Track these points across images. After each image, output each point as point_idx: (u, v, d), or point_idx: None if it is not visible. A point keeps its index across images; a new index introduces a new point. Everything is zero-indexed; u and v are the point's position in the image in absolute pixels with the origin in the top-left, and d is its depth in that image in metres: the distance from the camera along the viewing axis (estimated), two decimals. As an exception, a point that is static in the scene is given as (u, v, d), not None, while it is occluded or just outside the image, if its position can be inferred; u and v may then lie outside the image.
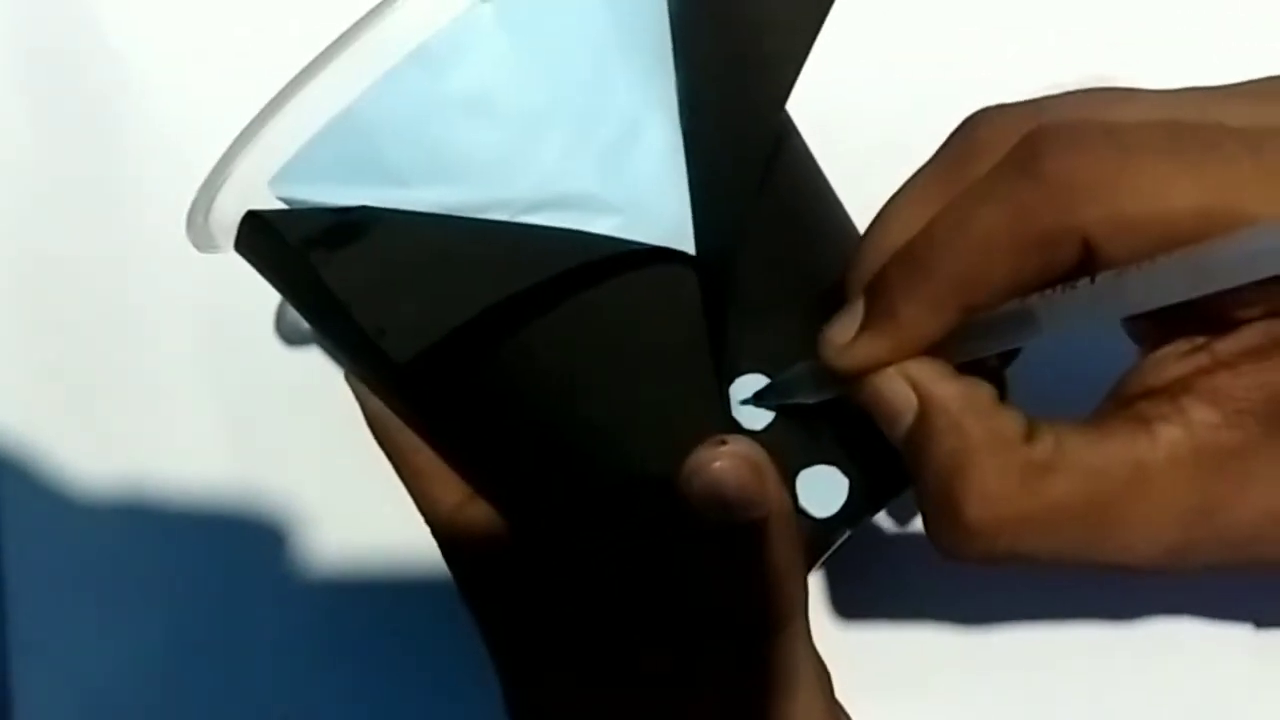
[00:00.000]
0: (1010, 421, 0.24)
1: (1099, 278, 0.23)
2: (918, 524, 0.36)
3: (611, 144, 0.27)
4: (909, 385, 0.25)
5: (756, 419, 0.27)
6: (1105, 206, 0.22)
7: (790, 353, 0.27)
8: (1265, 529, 0.24)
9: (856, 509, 0.28)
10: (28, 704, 0.38)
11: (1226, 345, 0.24)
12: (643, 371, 0.27)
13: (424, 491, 0.30)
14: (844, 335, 0.25)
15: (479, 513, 0.30)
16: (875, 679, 0.34)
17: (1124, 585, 0.35)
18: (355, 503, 0.38)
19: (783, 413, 0.27)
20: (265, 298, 0.38)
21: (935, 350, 0.25)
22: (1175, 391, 0.24)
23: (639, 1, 0.28)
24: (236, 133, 0.27)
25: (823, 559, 0.29)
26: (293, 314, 0.39)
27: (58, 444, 0.39)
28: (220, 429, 0.39)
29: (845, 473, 0.27)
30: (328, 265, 0.25)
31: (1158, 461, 0.23)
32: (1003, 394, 0.26)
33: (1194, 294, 0.22)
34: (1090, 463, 0.23)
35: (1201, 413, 0.23)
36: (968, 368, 0.25)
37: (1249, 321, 0.23)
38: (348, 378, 0.31)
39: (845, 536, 0.28)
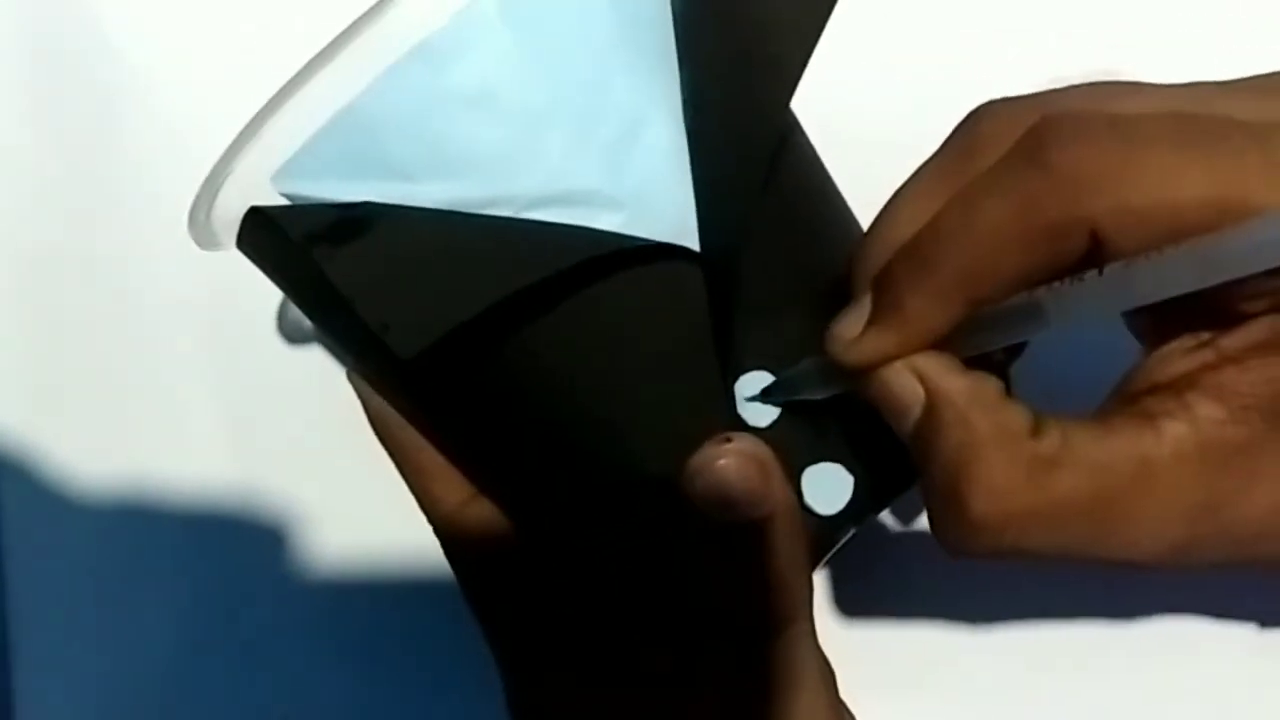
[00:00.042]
0: (1017, 416, 0.24)
1: (1106, 269, 0.23)
2: (922, 522, 0.36)
3: (615, 141, 0.27)
4: (916, 379, 0.25)
5: (761, 416, 0.27)
6: (1112, 198, 0.22)
7: (795, 349, 0.27)
8: (1270, 525, 0.24)
9: (861, 506, 0.28)
10: (28, 704, 0.38)
11: (1232, 341, 0.24)
12: (647, 368, 0.27)
13: (426, 490, 0.30)
14: (851, 330, 0.25)
15: (482, 511, 0.30)
16: (879, 677, 0.34)
17: (1127, 584, 0.35)
18: (356, 503, 0.38)
19: (788, 409, 0.27)
20: (267, 297, 0.38)
21: (942, 344, 0.25)
22: (1181, 387, 0.24)
23: (642, -1, 0.28)
24: (239, 130, 0.27)
25: (827, 557, 0.29)
26: (295, 313, 0.39)
27: (58, 444, 0.39)
28: (221, 428, 0.39)
29: (850, 470, 0.27)
30: (331, 261, 0.25)
31: (1163, 457, 0.23)
32: (1008, 389, 0.26)
33: (1202, 285, 0.22)
34: (1096, 458, 0.23)
35: (1207, 408, 0.23)
36: (974, 362, 0.25)
37: (1254, 316, 0.23)
38: (350, 376, 0.31)
39: (850, 534, 0.28)
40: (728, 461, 0.24)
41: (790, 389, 0.27)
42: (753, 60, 0.27)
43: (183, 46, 0.40)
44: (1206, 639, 0.36)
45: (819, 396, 0.27)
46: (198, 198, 0.27)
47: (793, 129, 0.30)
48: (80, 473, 0.39)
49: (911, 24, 0.39)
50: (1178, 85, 0.25)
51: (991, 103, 0.26)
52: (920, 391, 0.25)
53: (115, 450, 0.39)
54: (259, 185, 0.27)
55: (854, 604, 0.37)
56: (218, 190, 0.27)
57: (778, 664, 0.27)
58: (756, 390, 0.27)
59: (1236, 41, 0.37)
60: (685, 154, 0.27)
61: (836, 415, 0.27)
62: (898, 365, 0.25)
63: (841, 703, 0.30)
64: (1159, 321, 0.25)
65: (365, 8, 0.26)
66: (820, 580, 0.37)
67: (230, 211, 0.28)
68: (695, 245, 0.27)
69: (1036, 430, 0.24)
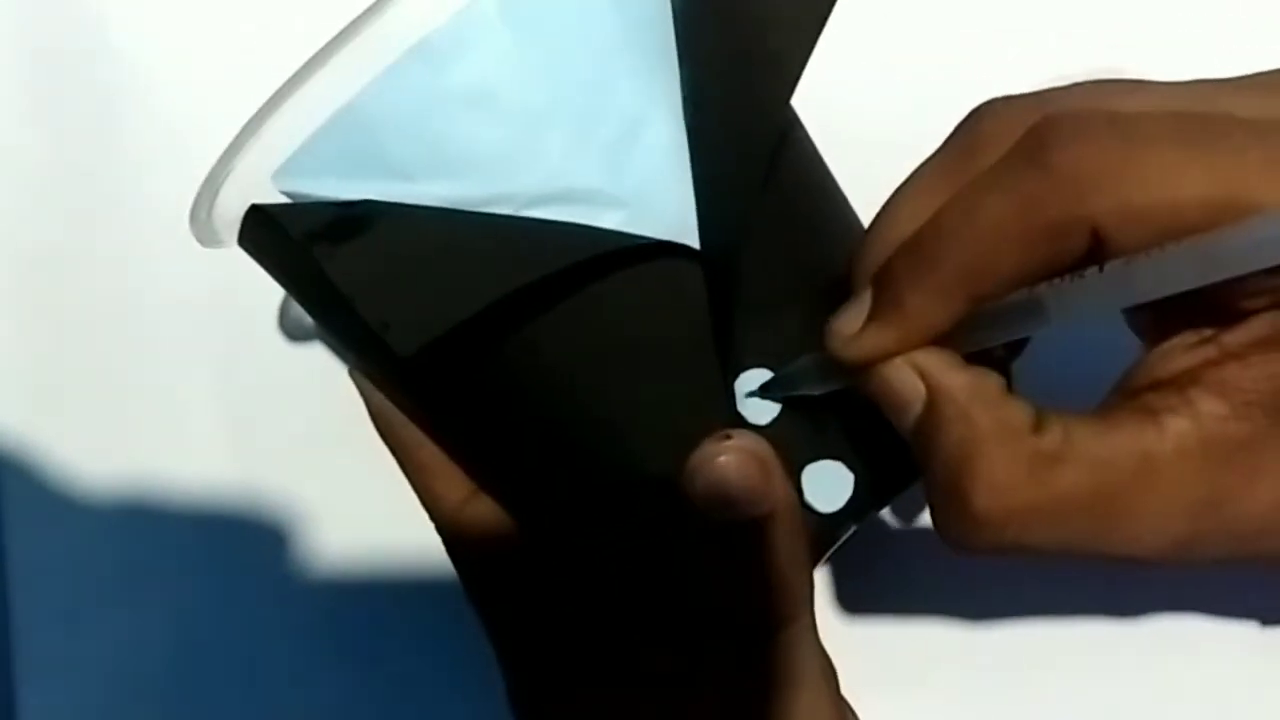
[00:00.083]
0: (1019, 412, 0.24)
1: (1107, 266, 0.23)
2: (923, 519, 0.36)
3: (615, 139, 0.27)
4: (917, 375, 0.25)
5: (762, 413, 0.27)
6: (1113, 197, 0.22)
7: (796, 347, 0.27)
8: (1273, 521, 0.24)
9: (862, 504, 0.28)
10: (29, 704, 0.38)
11: (1234, 337, 0.24)
12: (647, 366, 0.27)
13: (428, 487, 0.30)
14: (851, 326, 0.25)
15: (483, 509, 0.30)
16: (880, 674, 0.34)
17: (1129, 581, 0.35)
18: (356, 502, 0.38)
19: (788, 407, 0.27)
20: (268, 295, 0.38)
21: (943, 341, 0.25)
22: (1183, 383, 0.24)
23: (643, -3, 0.28)
24: (239, 129, 0.27)
25: (828, 554, 0.29)
26: (296, 311, 0.39)
27: (58, 444, 0.39)
28: (222, 427, 0.39)
29: (851, 467, 0.27)
30: (331, 259, 0.25)
31: (1165, 453, 0.23)
32: (1009, 385, 0.26)
33: (1202, 282, 0.22)
34: (1098, 454, 0.23)
35: (1209, 404, 0.23)
36: (975, 359, 0.25)
37: (1256, 313, 0.23)
38: (352, 374, 0.31)
39: (851, 531, 0.28)
40: (728, 459, 0.24)
41: (790, 385, 0.27)
42: (753, 58, 0.27)
43: (183, 46, 0.40)
44: (1208, 636, 0.36)
45: (818, 392, 0.27)
46: (199, 196, 0.27)
47: (793, 126, 0.30)
48: (80, 473, 0.39)
49: (911, 23, 0.39)
50: (1179, 83, 0.25)
51: (992, 101, 0.26)
52: (921, 387, 0.25)
53: (115, 450, 0.39)
54: (260, 183, 0.27)
55: (855, 601, 0.37)
56: (219, 188, 0.27)
57: (779, 662, 0.27)
58: (756, 387, 0.27)
59: (1238, 39, 0.37)
60: (685, 152, 0.27)
61: (837, 412, 0.27)
62: (898, 361, 0.25)
63: (843, 700, 0.30)
64: (1160, 318, 0.25)
65: (365, 7, 0.26)
66: (821, 577, 0.37)
67: (231, 210, 0.28)
68: (695, 243, 0.27)
69: (1038, 426, 0.24)
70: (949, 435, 0.24)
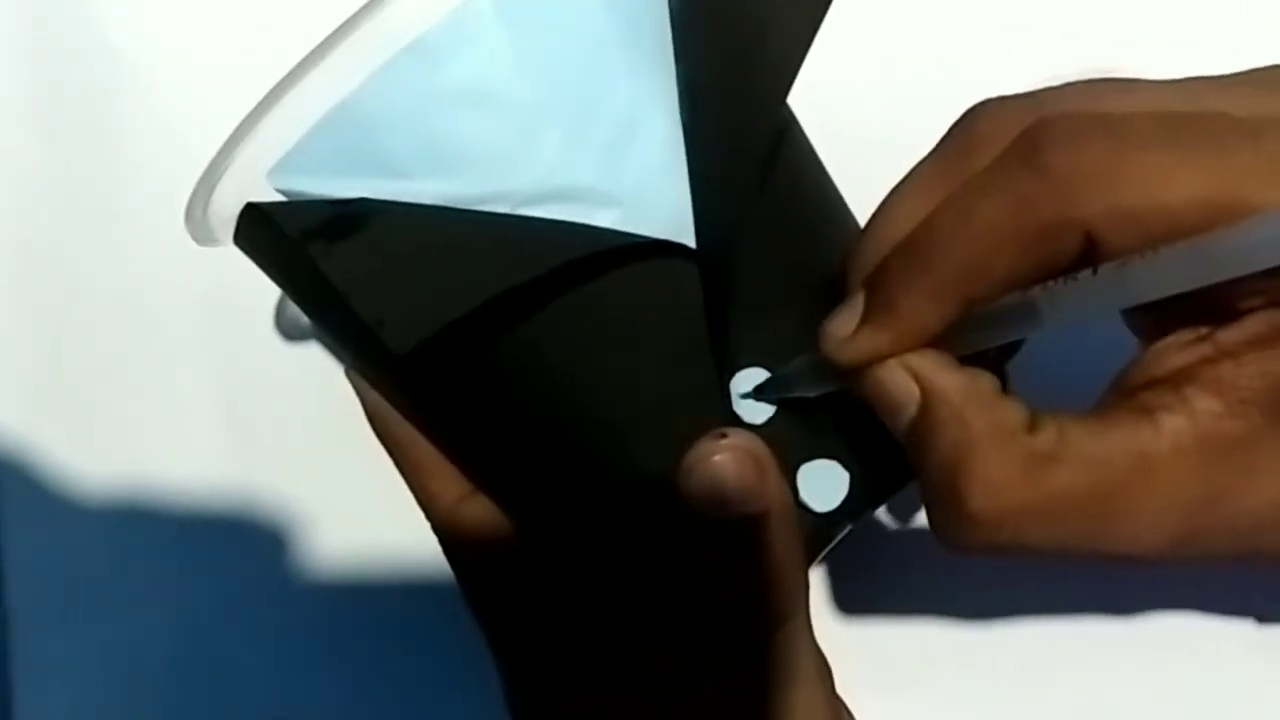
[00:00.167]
0: (1013, 412, 0.24)
1: (1101, 269, 0.23)
2: (919, 519, 0.36)
3: (611, 137, 0.27)
4: (911, 376, 0.25)
5: (757, 413, 0.27)
6: (1107, 199, 0.22)
7: (791, 346, 0.27)
8: (1269, 518, 0.24)
9: (857, 503, 0.27)
10: (28, 704, 0.38)
11: (1229, 335, 0.24)
12: (643, 365, 0.27)
13: (424, 486, 0.30)
14: (845, 328, 0.25)
15: (479, 508, 0.30)
16: (876, 674, 0.34)
17: (1125, 581, 0.35)
18: (355, 502, 0.37)
19: (784, 407, 0.27)
20: (265, 295, 0.38)
21: (937, 343, 0.25)
22: (1178, 381, 0.24)
23: (639, -5, 0.28)
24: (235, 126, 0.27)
25: (824, 554, 0.29)
26: (292, 310, 0.39)
27: (58, 444, 0.39)
28: (221, 426, 0.39)
29: (846, 467, 0.27)
30: (327, 257, 0.25)
31: (1161, 451, 0.23)
32: (1004, 387, 0.26)
33: (1197, 284, 0.22)
34: (1093, 453, 0.23)
35: (1205, 402, 0.23)
36: (969, 360, 0.25)
37: (1251, 311, 0.23)
38: (348, 373, 0.31)
39: (846, 531, 0.28)
40: (723, 457, 0.24)
41: (785, 386, 0.27)
42: (750, 57, 0.27)
43: (183, 46, 0.40)
44: (1205, 635, 0.35)
45: (813, 394, 0.27)
46: (194, 194, 0.27)
47: (790, 125, 0.30)
48: (78, 472, 0.39)
49: (911, 23, 0.39)
50: (1172, 81, 0.24)
51: (986, 102, 0.26)
52: (915, 389, 0.25)
53: (113, 449, 0.39)
54: (255, 181, 0.27)
55: (851, 601, 0.36)
56: (214, 186, 0.27)
57: (775, 660, 0.27)
58: (752, 387, 0.27)
59: (1235, 38, 0.37)
60: (682, 150, 0.27)
61: (832, 412, 0.27)
62: (892, 363, 0.25)
63: (838, 699, 0.30)
64: (1155, 317, 0.25)
65: (361, 4, 0.26)
66: (817, 577, 0.36)
67: (227, 208, 0.28)
68: (691, 242, 0.27)
69: (1032, 426, 0.24)
70: (943, 437, 0.24)
